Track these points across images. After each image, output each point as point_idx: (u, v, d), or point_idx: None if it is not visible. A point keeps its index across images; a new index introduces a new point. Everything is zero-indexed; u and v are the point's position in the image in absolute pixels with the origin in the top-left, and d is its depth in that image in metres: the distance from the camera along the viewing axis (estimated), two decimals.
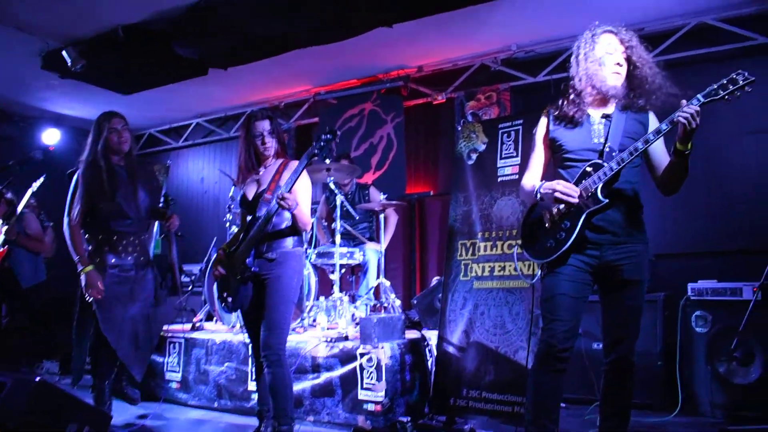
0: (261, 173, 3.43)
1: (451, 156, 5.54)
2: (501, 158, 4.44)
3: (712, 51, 5.14)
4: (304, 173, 3.34)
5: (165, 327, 5.05)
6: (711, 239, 5.00)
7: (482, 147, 4.58)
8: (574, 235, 2.56)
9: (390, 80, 6.68)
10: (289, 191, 3.10)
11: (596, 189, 2.53)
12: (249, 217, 3.36)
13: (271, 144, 3.38)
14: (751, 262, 4.26)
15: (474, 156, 4.60)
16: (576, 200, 2.54)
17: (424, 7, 4.78)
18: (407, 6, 4.76)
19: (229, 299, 3.32)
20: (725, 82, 2.30)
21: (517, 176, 4.23)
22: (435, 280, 5.34)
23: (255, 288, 3.30)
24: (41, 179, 4.98)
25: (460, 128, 4.78)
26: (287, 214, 3.28)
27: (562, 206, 2.60)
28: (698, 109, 2.31)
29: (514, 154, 4.39)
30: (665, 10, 5.16)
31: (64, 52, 5.38)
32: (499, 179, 4.39)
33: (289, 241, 3.35)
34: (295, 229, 3.36)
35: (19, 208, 5.19)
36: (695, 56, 5.22)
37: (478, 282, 4.26)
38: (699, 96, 2.33)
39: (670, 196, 2.66)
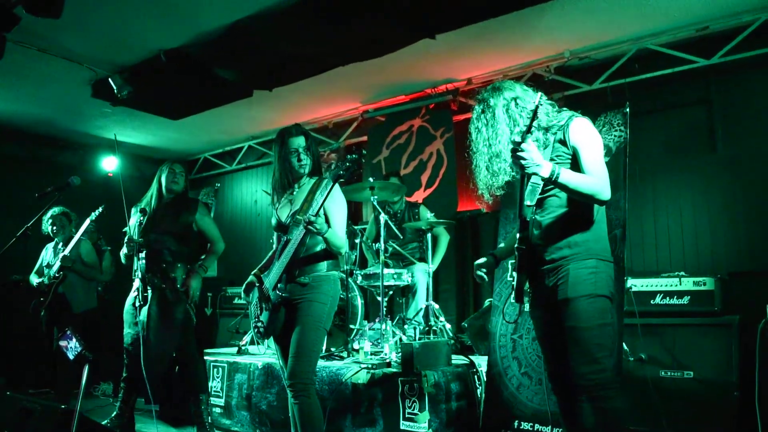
0: (295, 193, 3.29)
1: None
2: None
3: None
4: (339, 194, 3.21)
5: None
6: None
7: None
8: None
9: (438, 95, 6.49)
10: (316, 214, 2.94)
11: None
12: (281, 239, 3.21)
13: (307, 161, 3.24)
14: None
15: None
16: None
17: (465, 16, 4.59)
18: (448, 16, 4.57)
19: (260, 325, 3.18)
20: None
21: None
22: (488, 302, 5.06)
23: (287, 313, 3.14)
24: (100, 209, 5.08)
25: None
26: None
27: None
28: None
29: None
30: (730, 5, 4.74)
31: (110, 80, 5.46)
32: None
33: (324, 265, 3.18)
34: (330, 252, 3.18)
35: (77, 237, 5.29)
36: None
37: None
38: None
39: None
